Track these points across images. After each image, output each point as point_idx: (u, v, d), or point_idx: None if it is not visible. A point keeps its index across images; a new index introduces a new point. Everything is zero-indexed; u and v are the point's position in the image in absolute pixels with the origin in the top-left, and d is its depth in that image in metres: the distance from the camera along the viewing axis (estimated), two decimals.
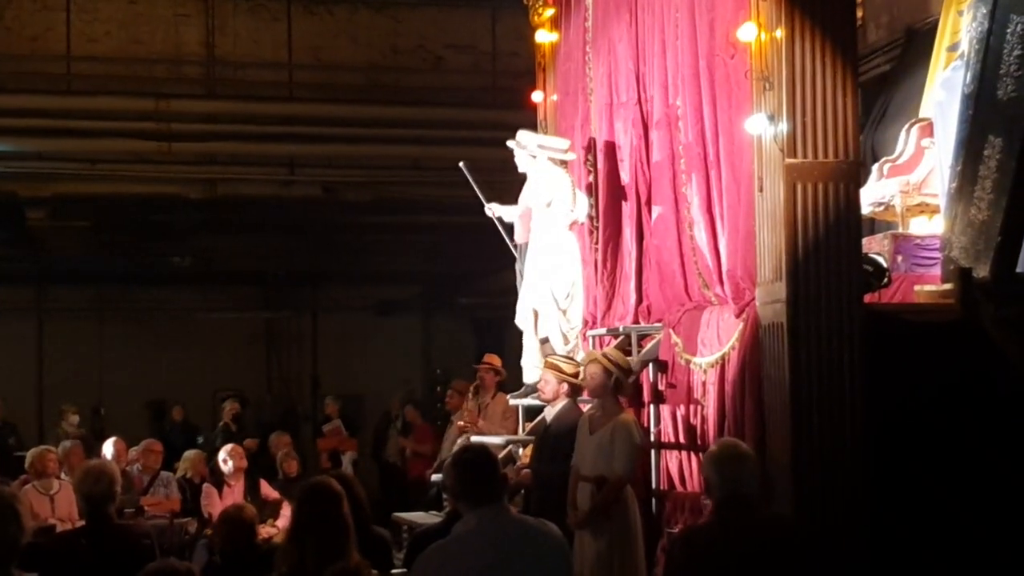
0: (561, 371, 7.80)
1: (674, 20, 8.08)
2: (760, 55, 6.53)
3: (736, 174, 7.15)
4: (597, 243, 9.26)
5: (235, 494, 10.02)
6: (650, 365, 8.01)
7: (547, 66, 10.60)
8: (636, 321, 8.66)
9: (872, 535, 6.04)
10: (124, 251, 17.62)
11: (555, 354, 8.39)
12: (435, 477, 9.88)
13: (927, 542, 6.12)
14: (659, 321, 8.25)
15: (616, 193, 9.12)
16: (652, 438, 7.93)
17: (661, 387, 7.95)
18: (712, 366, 7.21)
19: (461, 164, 9.79)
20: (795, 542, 4.74)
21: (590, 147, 9.41)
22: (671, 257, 8.23)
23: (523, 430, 9.15)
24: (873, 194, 8.46)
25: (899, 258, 7.92)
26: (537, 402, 8.60)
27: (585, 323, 9.13)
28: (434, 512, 9.53)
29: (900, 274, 7.77)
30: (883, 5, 11.36)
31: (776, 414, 6.32)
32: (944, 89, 8.30)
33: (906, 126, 8.84)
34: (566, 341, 8.78)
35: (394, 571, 6.24)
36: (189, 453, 11.44)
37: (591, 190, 9.26)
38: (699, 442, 7.39)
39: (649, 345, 8.19)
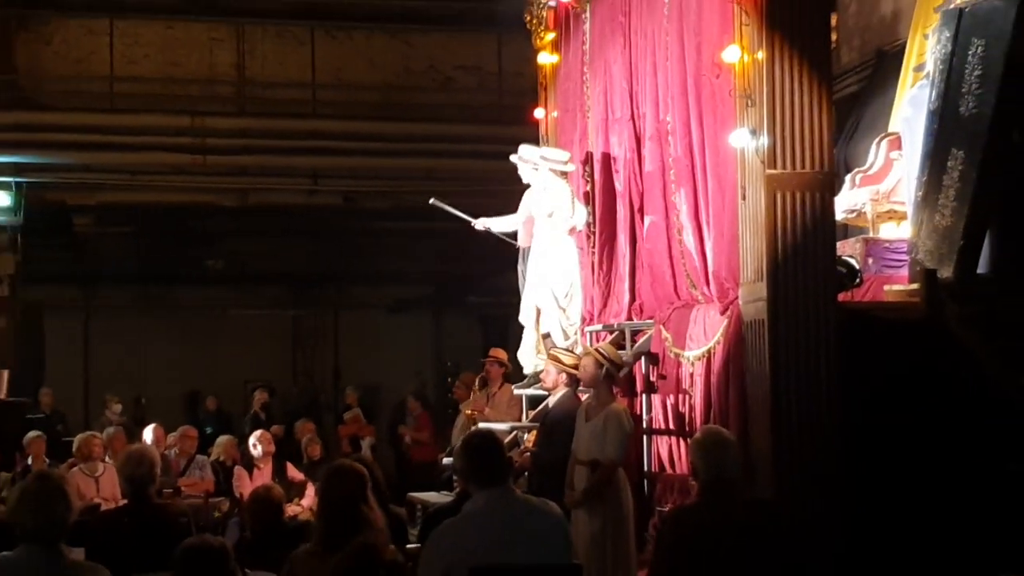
0: (561, 363, 7.80)
1: (664, 43, 8.07)
2: (743, 75, 6.53)
3: (721, 184, 7.15)
4: (594, 247, 9.26)
5: (264, 476, 10.01)
6: (643, 358, 8.01)
7: (548, 85, 10.59)
8: (630, 318, 8.66)
9: (846, 516, 6.02)
10: (163, 254, 17.63)
11: (556, 347, 8.40)
12: (446, 461, 9.86)
13: (898, 523, 6.11)
14: (651, 318, 8.25)
15: (611, 201, 9.12)
16: (644, 425, 7.94)
17: (653, 378, 7.96)
18: (699, 359, 7.21)
19: (432, 200, 9.77)
20: (774, 522, 4.73)
21: (588, 159, 9.41)
22: (662, 259, 8.22)
23: (526, 417, 9.15)
24: (846, 202, 8.45)
25: (870, 260, 7.92)
26: (540, 391, 8.61)
27: (583, 320, 9.13)
28: (446, 492, 9.51)
29: (871, 275, 7.76)
30: (855, 29, 11.35)
31: (758, 404, 6.31)
32: (911, 106, 8.28)
33: (876, 140, 8.83)
34: (566, 336, 8.79)
35: (409, 546, 6.23)
36: (222, 438, 11.43)
37: (588, 199, 9.26)
38: (687, 429, 7.39)
39: (642, 340, 8.19)
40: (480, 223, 9.47)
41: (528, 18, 10.60)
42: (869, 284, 7.63)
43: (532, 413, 8.95)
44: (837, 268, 6.66)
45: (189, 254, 17.80)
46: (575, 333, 8.88)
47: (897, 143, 8.52)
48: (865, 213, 8.53)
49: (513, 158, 9.03)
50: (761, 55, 6.35)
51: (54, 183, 15.15)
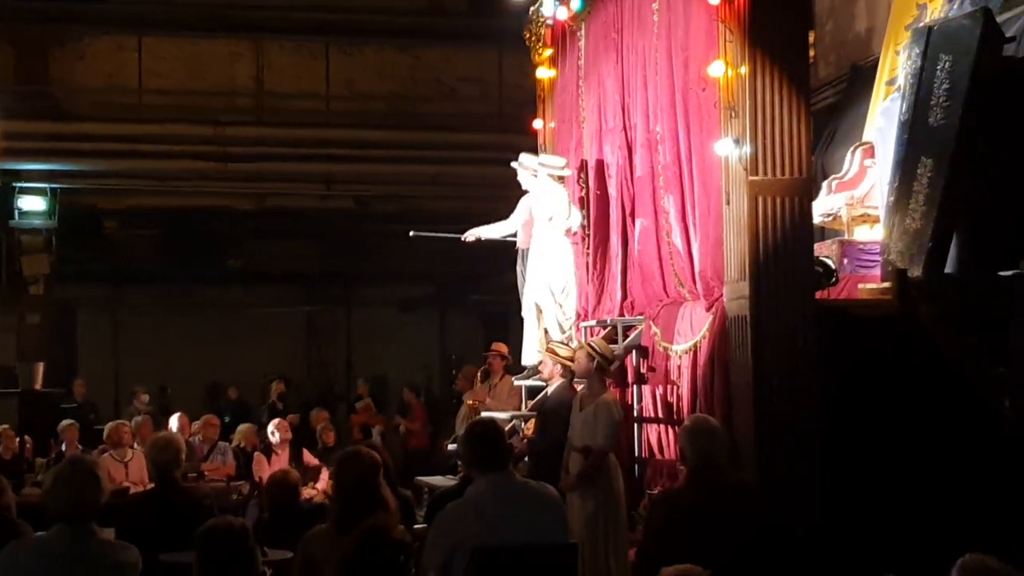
0: (557, 355, 7.81)
1: (654, 58, 8.07)
2: (727, 88, 6.53)
3: (707, 189, 7.14)
4: (588, 248, 9.26)
5: (281, 461, 10.03)
6: (634, 351, 8.01)
7: (546, 97, 10.58)
8: (622, 314, 8.66)
9: (826, 496, 6.02)
10: (186, 255, 17.61)
11: (553, 341, 8.41)
12: (451, 447, 9.87)
13: (874, 502, 6.11)
14: (641, 314, 8.25)
15: (605, 205, 9.12)
16: (635, 414, 7.93)
17: (643, 370, 7.95)
18: (686, 352, 7.21)
19: (412, 233, 9.82)
20: (758, 505, 4.73)
21: (582, 166, 9.41)
22: (652, 260, 8.22)
23: (525, 406, 9.16)
24: (823, 206, 8.45)
25: (845, 261, 7.92)
26: (538, 382, 8.61)
27: (578, 316, 9.12)
28: (450, 476, 9.52)
29: (846, 274, 7.76)
30: (832, 45, 11.35)
31: (741, 393, 6.31)
32: (884, 117, 8.30)
33: (851, 148, 8.83)
34: (562, 330, 8.79)
35: (416, 526, 6.24)
36: (242, 426, 11.44)
37: (583, 203, 9.26)
38: (675, 417, 7.38)
39: (633, 334, 8.19)
40: (471, 234, 9.47)
41: (527, 35, 10.60)
42: (844, 283, 7.63)
43: (531, 403, 8.96)
44: (815, 268, 6.66)
45: (210, 255, 17.79)
46: (571, 328, 8.88)
47: (871, 152, 8.52)
48: (841, 217, 8.53)
49: (514, 164, 9.03)
50: (744, 70, 6.35)
51: (86, 188, 15.17)
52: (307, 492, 9.01)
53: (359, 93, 15.84)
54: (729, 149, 6.45)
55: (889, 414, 6.25)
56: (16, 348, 14.38)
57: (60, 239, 15.20)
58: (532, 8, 10.21)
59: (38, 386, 12.17)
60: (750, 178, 6.28)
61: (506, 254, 9.75)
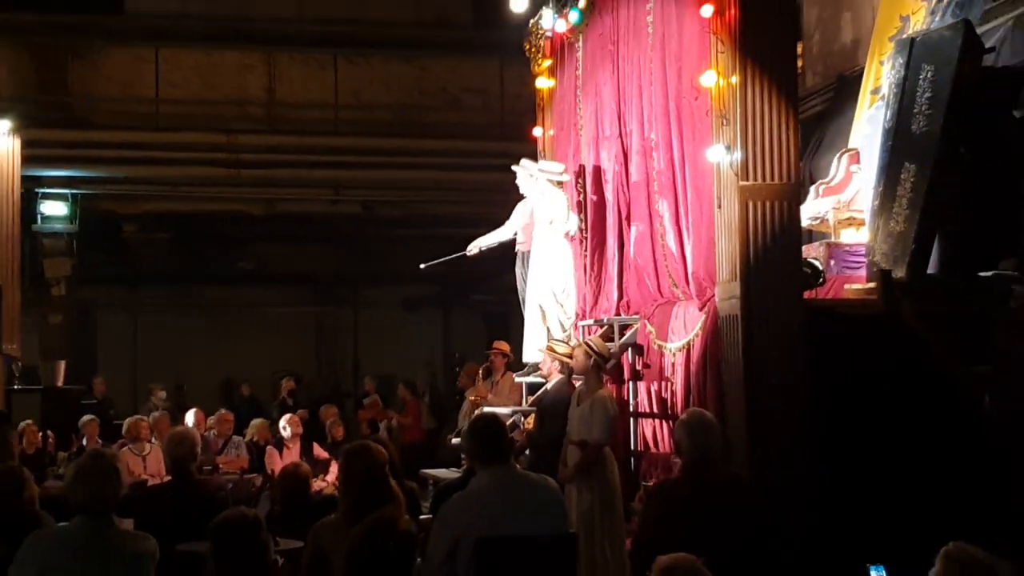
0: (556, 353, 7.80)
1: (649, 68, 8.07)
2: (719, 97, 6.53)
3: (699, 194, 7.14)
4: (586, 250, 9.26)
5: (292, 455, 10.01)
6: (630, 349, 8.00)
7: (545, 106, 10.58)
8: (618, 313, 8.66)
9: (814, 488, 6.01)
10: (200, 257, 17.62)
11: (552, 339, 8.40)
12: (455, 441, 9.86)
13: (862, 493, 6.11)
14: (637, 313, 8.24)
15: (602, 209, 9.11)
16: (631, 409, 7.92)
17: (638, 367, 7.94)
18: (680, 350, 7.20)
19: (422, 266, 9.80)
20: (751, 497, 4.73)
21: (580, 172, 9.40)
22: (647, 261, 8.21)
23: (526, 402, 9.14)
24: (811, 210, 8.45)
25: (832, 262, 7.90)
26: (538, 379, 8.60)
27: (577, 315, 9.12)
28: (454, 469, 9.51)
29: (833, 275, 7.75)
30: (819, 56, 11.35)
31: (732, 389, 6.30)
32: (869, 124, 8.31)
33: (838, 155, 8.82)
34: (563, 329, 8.79)
35: (422, 517, 6.23)
36: (255, 421, 11.42)
37: (581, 207, 9.25)
38: (669, 412, 7.37)
39: (629, 333, 8.18)
40: (473, 247, 9.47)
41: (528, 47, 10.60)
42: (831, 283, 7.62)
43: (531, 398, 8.95)
44: (803, 269, 6.65)
45: (224, 257, 17.80)
46: (570, 327, 8.88)
47: (856, 158, 8.52)
48: (828, 220, 8.52)
49: (515, 168, 9.03)
50: (735, 79, 6.34)
51: (104, 194, 15.18)
52: (317, 484, 8.99)
53: (366, 102, 15.83)
54: (721, 155, 6.45)
55: (875, 410, 6.24)
56: (39, 347, 14.38)
57: (80, 243, 15.22)
58: (532, 21, 10.22)
59: (60, 383, 12.19)
60: (741, 183, 6.28)
61: (506, 256, 9.74)
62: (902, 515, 6.01)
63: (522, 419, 8.83)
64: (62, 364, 12.35)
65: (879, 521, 6.00)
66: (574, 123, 9.77)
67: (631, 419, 7.88)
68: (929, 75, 7.00)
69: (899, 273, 6.86)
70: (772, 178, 6.28)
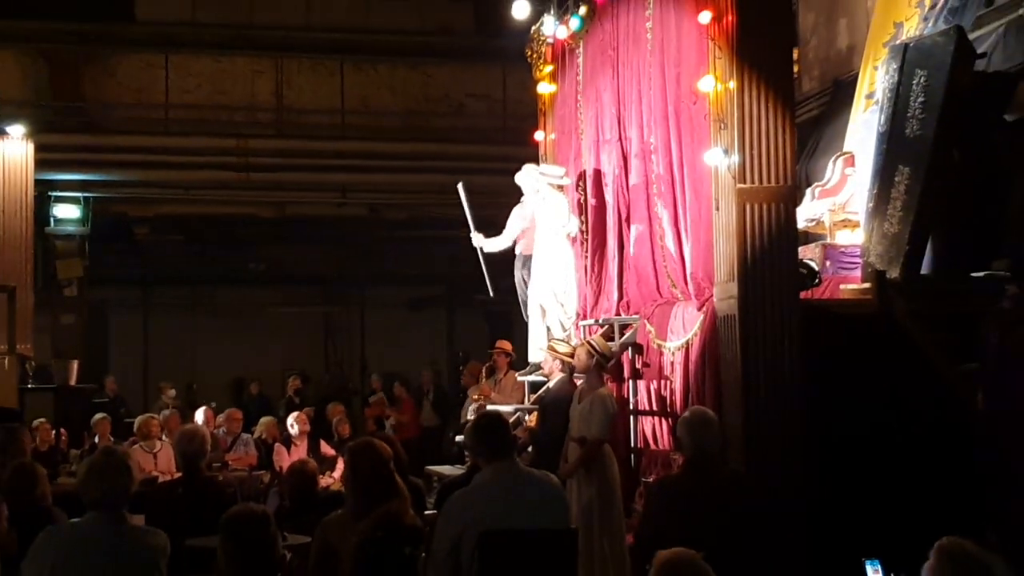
0: (557, 352, 7.79)
1: (648, 74, 8.07)
2: (717, 102, 6.52)
3: (698, 196, 7.14)
4: (587, 252, 9.25)
5: (300, 452, 10.00)
6: (629, 348, 8.00)
7: (547, 111, 10.58)
8: (618, 313, 8.65)
9: (809, 482, 6.01)
10: (210, 259, 17.62)
11: (554, 339, 8.39)
12: (458, 438, 9.86)
13: (855, 487, 6.10)
14: (637, 313, 8.24)
15: (602, 212, 9.11)
16: (631, 407, 7.92)
17: (638, 366, 7.94)
18: (679, 349, 7.20)
19: (459, 185, 9.75)
20: (751, 493, 4.72)
21: (581, 176, 9.40)
22: (646, 262, 8.21)
23: (528, 400, 9.14)
24: (807, 212, 8.45)
25: (828, 263, 7.91)
26: (540, 377, 8.60)
27: (578, 315, 9.11)
28: (458, 465, 9.51)
29: (829, 276, 7.76)
30: (815, 61, 11.34)
31: (730, 388, 6.30)
32: (863, 128, 8.31)
33: (833, 158, 8.82)
34: (563, 328, 8.78)
35: (426, 512, 6.23)
36: (264, 419, 11.42)
37: (582, 209, 9.25)
38: (668, 410, 7.37)
39: (629, 333, 8.17)
40: (476, 239, 9.46)
41: (529, 53, 10.60)
42: (827, 284, 7.62)
43: (533, 396, 8.94)
44: (799, 270, 6.65)
45: (233, 259, 17.79)
46: (571, 326, 8.88)
47: (851, 161, 8.51)
48: (823, 222, 8.52)
49: (518, 177, 9.04)
50: (732, 84, 6.34)
51: (117, 197, 15.17)
52: (324, 481, 8.99)
53: (373, 108, 15.84)
54: (718, 159, 6.44)
55: (869, 406, 6.24)
56: (52, 347, 14.38)
57: (93, 244, 15.22)
58: (534, 28, 10.22)
59: (72, 382, 12.16)
60: (738, 186, 6.27)
61: (509, 257, 9.74)
62: (896, 510, 6.00)
63: (525, 417, 8.83)
64: (75, 363, 12.32)
65: (874, 516, 6.00)
66: (575, 127, 9.76)
67: (631, 417, 7.87)
68: (922, 80, 7.00)
69: (893, 274, 6.86)
70: (769, 181, 6.28)
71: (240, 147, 14.84)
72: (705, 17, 6.57)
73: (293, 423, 10.43)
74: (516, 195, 9.34)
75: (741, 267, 6.20)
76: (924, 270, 7.07)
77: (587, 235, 9.21)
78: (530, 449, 7.87)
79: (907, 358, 6.37)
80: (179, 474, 6.36)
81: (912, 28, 8.42)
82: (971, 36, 7.59)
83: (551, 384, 7.93)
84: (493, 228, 9.58)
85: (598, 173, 9.16)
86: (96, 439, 10.39)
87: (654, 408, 7.66)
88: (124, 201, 15.29)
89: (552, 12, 9.73)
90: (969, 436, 6.19)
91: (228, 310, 18.68)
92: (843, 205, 8.47)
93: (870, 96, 8.75)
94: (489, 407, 8.84)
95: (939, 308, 6.67)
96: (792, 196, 6.45)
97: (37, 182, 12.95)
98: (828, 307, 6.87)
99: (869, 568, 3.98)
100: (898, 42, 7.90)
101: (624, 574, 6.45)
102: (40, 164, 12.85)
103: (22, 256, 12.39)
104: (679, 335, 7.23)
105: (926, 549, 3.20)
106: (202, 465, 5.87)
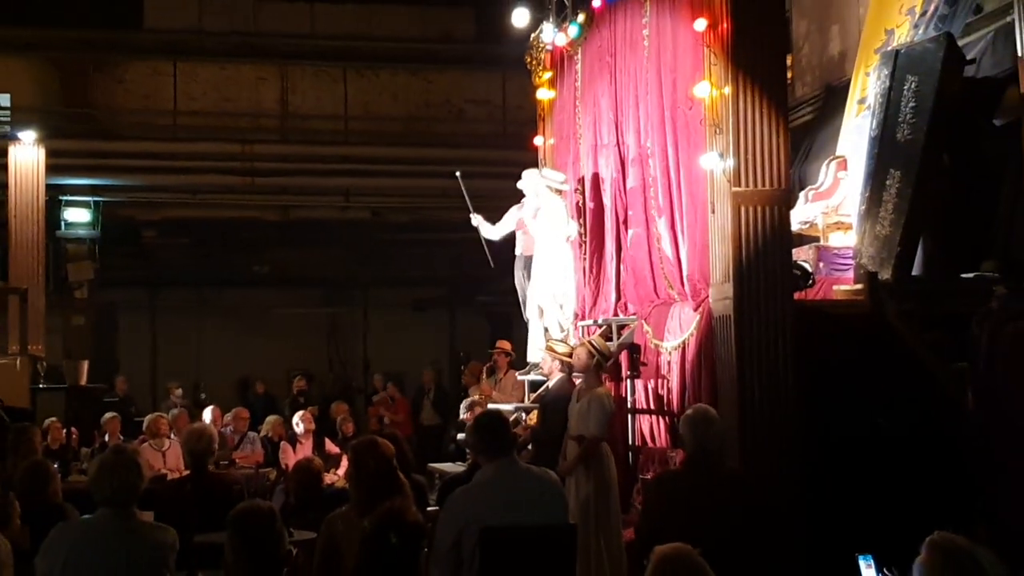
0: (556, 352, 7.79)
1: (644, 80, 8.07)
2: (712, 107, 6.52)
3: (694, 199, 7.14)
4: (585, 254, 9.26)
5: (305, 450, 10.01)
6: (627, 348, 8.00)
7: (546, 116, 10.59)
8: (616, 314, 8.66)
9: (804, 479, 6.00)
10: (217, 261, 17.61)
11: (552, 339, 8.40)
12: (460, 436, 9.86)
13: (849, 483, 6.10)
14: (634, 314, 8.24)
15: (600, 215, 9.11)
16: (629, 405, 7.92)
17: (636, 365, 7.94)
18: (676, 349, 7.20)
19: (457, 173, 9.83)
20: (749, 490, 4.72)
21: (580, 179, 9.41)
22: (643, 264, 8.21)
23: (528, 399, 9.14)
24: (800, 215, 8.45)
25: (821, 265, 7.91)
26: (539, 377, 8.60)
27: (576, 316, 9.12)
28: (459, 463, 9.51)
29: (822, 277, 7.75)
30: (808, 67, 11.35)
31: (726, 386, 6.30)
32: (856, 133, 8.30)
33: (826, 162, 8.81)
34: (561, 329, 8.79)
35: (429, 508, 6.23)
36: (270, 418, 11.41)
37: (580, 213, 9.26)
38: (665, 408, 7.37)
39: (626, 333, 8.18)
40: (475, 219, 9.62)
41: (529, 60, 10.61)
42: (820, 285, 7.62)
43: (533, 395, 8.95)
44: (793, 271, 6.65)
45: (240, 261, 17.79)
46: (569, 327, 8.88)
47: (844, 164, 8.51)
48: (817, 224, 8.52)
49: (520, 184, 9.07)
50: (727, 90, 6.34)
51: (125, 201, 15.20)
52: (329, 478, 8.99)
53: (375, 114, 15.86)
54: (714, 163, 6.45)
55: (861, 404, 6.24)
56: (63, 348, 14.38)
57: (102, 248, 15.24)
58: (533, 35, 10.22)
59: (83, 382, 12.18)
60: (733, 189, 6.27)
61: (510, 258, 9.75)
62: (889, 507, 6.00)
63: (524, 415, 8.83)
64: (85, 364, 12.34)
65: (867, 512, 6.00)
66: (573, 132, 9.77)
67: (629, 415, 7.87)
68: (913, 85, 7.01)
69: (885, 275, 6.86)
70: (763, 184, 6.28)
71: (245, 152, 14.86)
72: (701, 24, 6.57)
73: (298, 422, 10.44)
74: (515, 198, 9.36)
75: (736, 268, 6.20)
76: (915, 271, 7.07)
77: (586, 238, 9.21)
78: (530, 447, 7.87)
79: (898, 357, 6.37)
80: (187, 471, 6.36)
81: (903, 35, 8.42)
82: (961, 42, 7.59)
83: (551, 383, 7.93)
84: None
85: (596, 177, 9.16)
86: (106, 438, 10.39)
87: (651, 407, 7.66)
88: (132, 205, 15.32)
89: (551, 20, 9.74)
90: (959, 434, 6.20)
91: (234, 311, 18.67)
92: (836, 208, 8.46)
93: (862, 101, 8.76)
94: (489, 406, 8.85)
95: (929, 308, 6.67)
96: (786, 199, 6.44)
97: (48, 187, 12.98)
98: (821, 307, 6.87)
99: (862, 563, 3.97)
100: (889, 48, 7.90)
101: (620, 569, 6.45)
102: (51, 169, 12.88)
103: (34, 259, 12.41)
104: (676, 335, 7.24)
105: (918, 544, 3.20)
106: (209, 463, 5.89)
